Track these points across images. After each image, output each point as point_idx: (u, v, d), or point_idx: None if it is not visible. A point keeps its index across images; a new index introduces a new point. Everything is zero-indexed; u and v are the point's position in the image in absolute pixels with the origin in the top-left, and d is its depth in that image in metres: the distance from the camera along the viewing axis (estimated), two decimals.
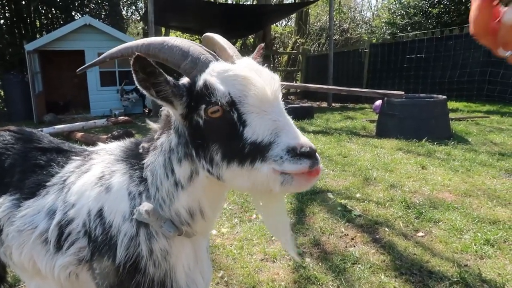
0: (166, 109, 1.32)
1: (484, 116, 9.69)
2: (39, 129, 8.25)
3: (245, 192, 1.15)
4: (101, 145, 1.63)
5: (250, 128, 1.05)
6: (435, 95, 8.61)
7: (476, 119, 9.44)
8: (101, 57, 1.36)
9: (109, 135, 7.57)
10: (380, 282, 2.91)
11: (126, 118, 10.97)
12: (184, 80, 1.21)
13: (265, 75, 1.12)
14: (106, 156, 1.48)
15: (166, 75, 1.11)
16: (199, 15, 14.73)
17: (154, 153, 1.32)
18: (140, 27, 29.74)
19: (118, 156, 1.44)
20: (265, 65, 1.21)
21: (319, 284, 2.91)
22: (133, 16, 27.80)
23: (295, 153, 0.99)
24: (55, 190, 1.52)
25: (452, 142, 7.10)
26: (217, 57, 1.22)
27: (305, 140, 1.02)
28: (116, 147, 1.50)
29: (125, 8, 24.77)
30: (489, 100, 11.97)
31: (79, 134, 8.63)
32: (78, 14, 19.86)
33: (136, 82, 1.10)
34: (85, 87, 14.54)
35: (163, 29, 20.94)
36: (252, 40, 24.24)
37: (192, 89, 1.13)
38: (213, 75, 1.10)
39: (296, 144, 1.00)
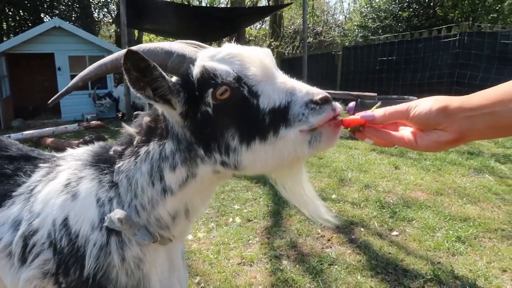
0: (148, 118, 1.25)
1: None
2: (7, 135, 7.94)
3: (265, 173, 1.09)
4: (68, 151, 1.56)
5: (264, 97, 1.02)
6: (406, 96, 8.83)
7: None
8: (72, 81, 1.26)
9: (81, 140, 7.36)
10: (356, 282, 2.93)
11: (98, 122, 10.71)
12: (172, 79, 1.15)
13: (255, 49, 1.11)
14: (73, 162, 1.41)
15: (160, 69, 1.02)
16: (173, 18, 14.60)
17: (134, 160, 1.23)
18: (112, 30, 29.20)
19: (86, 161, 1.36)
20: None
21: (296, 286, 2.91)
22: (105, 19, 27.28)
23: (314, 103, 0.97)
24: (21, 200, 1.44)
25: None
26: (200, 47, 1.18)
27: (317, 89, 1.01)
28: (84, 152, 1.43)
29: (96, 11, 24.27)
30: None
31: (49, 140, 8.37)
32: (47, 16, 19.33)
33: (129, 84, 1.00)
34: (55, 91, 14.02)
35: (136, 32, 20.62)
36: (226, 43, 24.19)
37: (189, 82, 1.08)
38: (206, 60, 1.07)
39: (310, 96, 0.98)
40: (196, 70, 1.06)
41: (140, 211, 1.23)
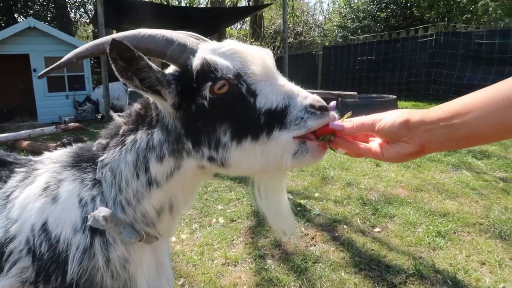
0: (138, 105, 1.23)
1: None
2: None
3: (248, 175, 1.11)
4: (46, 154, 1.51)
5: (261, 97, 1.03)
6: (386, 95, 8.96)
7: None
8: (67, 57, 1.23)
9: (58, 142, 7.18)
10: (340, 279, 2.95)
11: (76, 124, 10.46)
12: (169, 69, 1.14)
13: (257, 48, 1.11)
14: (51, 165, 1.36)
15: (148, 60, 1.01)
16: (151, 18, 14.43)
17: (119, 150, 1.20)
18: (89, 30, 28.67)
19: (66, 162, 1.32)
20: None
21: (281, 285, 2.91)
22: (82, 19, 26.73)
23: (315, 108, 0.99)
24: None
25: None
26: (201, 39, 1.17)
27: (317, 97, 1.02)
28: (63, 153, 1.38)
29: (73, 11, 23.77)
30: (435, 99, 12.62)
31: (25, 143, 8.11)
32: (21, 16, 18.83)
33: (116, 73, 0.99)
34: (31, 93, 13.78)
35: (114, 32, 20.31)
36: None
37: (187, 73, 1.07)
38: (208, 53, 1.06)
39: (312, 101, 1.00)
40: (196, 62, 1.05)
41: (126, 207, 1.20)
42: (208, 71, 1.04)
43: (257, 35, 24.26)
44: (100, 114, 13.91)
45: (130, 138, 1.20)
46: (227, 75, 1.02)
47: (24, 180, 1.40)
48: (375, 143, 1.00)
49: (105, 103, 12.46)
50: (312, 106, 0.99)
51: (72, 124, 10.48)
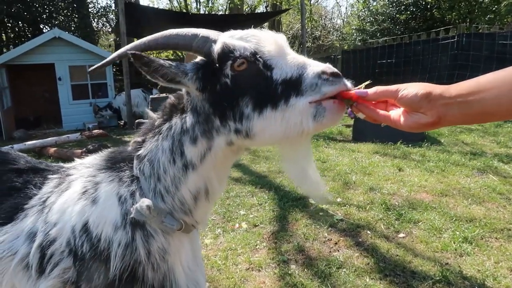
0: (172, 98, 1.36)
1: None
2: (9, 146, 7.95)
3: (273, 145, 1.23)
4: (77, 161, 1.58)
5: (277, 69, 1.13)
6: None
7: None
8: (115, 54, 1.38)
9: (84, 149, 7.37)
10: (365, 285, 2.93)
11: (100, 131, 10.73)
12: (197, 59, 1.28)
13: (270, 32, 1.23)
14: (84, 170, 1.43)
15: (160, 59, 1.17)
16: (171, 26, 14.62)
17: (155, 139, 1.30)
18: (111, 39, 29.30)
19: (100, 166, 1.39)
20: None
21: None
22: (104, 28, 27.36)
23: (326, 75, 1.07)
24: (34, 212, 1.44)
25: (426, 144, 7.30)
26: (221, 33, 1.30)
27: (328, 64, 1.11)
28: (95, 158, 1.46)
29: (95, 20, 24.35)
30: None
31: (52, 150, 8.37)
32: (46, 27, 19.41)
33: (147, 76, 1.17)
34: (56, 101, 14.19)
35: (135, 40, 20.71)
36: None
37: (210, 57, 1.19)
38: (227, 38, 1.19)
39: (323, 68, 1.08)
40: (217, 46, 1.19)
41: (165, 196, 1.27)
42: (228, 52, 1.16)
43: None
44: (123, 121, 14.18)
45: (165, 126, 1.30)
46: (244, 53, 1.14)
47: (59, 185, 1.47)
48: (395, 112, 1.05)
49: (127, 110, 12.71)
50: (324, 72, 1.07)
51: (96, 131, 10.74)
